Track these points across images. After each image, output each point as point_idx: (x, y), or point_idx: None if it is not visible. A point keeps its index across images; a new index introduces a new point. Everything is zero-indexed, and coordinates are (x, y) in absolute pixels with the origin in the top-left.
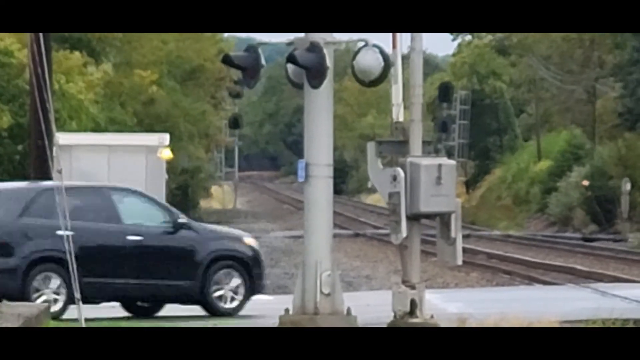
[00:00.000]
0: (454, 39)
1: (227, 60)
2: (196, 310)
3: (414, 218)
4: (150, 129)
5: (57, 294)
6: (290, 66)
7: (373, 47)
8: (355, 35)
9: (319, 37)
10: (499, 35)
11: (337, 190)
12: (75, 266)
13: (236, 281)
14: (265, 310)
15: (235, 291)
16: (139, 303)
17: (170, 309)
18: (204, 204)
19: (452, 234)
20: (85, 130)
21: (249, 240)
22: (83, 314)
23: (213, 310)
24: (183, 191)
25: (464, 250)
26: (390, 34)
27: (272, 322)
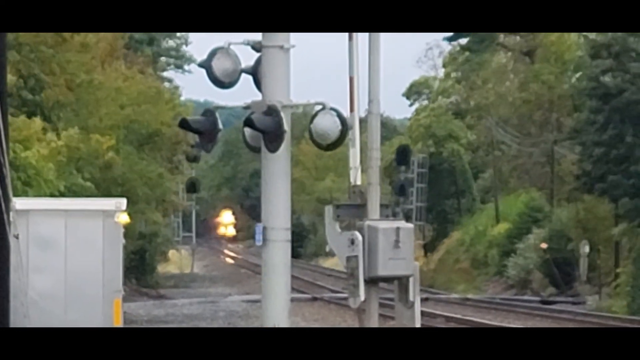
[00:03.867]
0: (411, 104)
1: (184, 124)
2: None
3: (372, 281)
4: (107, 194)
5: None
6: (247, 130)
7: (330, 110)
8: (313, 98)
9: (276, 100)
10: (456, 97)
11: (295, 254)
12: None
13: None
14: None
15: None
16: None
17: None
18: (161, 268)
19: (411, 298)
20: (41, 196)
21: None
22: None
23: None
24: (140, 256)
25: (423, 313)
26: (348, 98)
27: None
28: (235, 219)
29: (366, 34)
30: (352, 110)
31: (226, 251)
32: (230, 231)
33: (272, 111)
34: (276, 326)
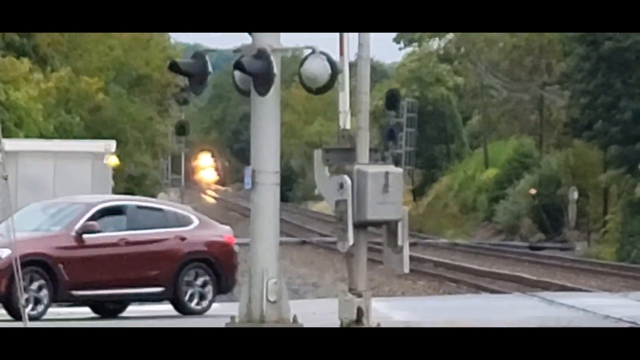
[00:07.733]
0: (401, 49)
1: (174, 67)
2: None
3: (361, 226)
4: (97, 136)
5: None
6: (237, 73)
7: (320, 54)
8: (302, 42)
9: (266, 43)
10: (447, 39)
11: (284, 198)
12: None
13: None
14: (211, 318)
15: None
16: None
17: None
18: None
19: (399, 242)
20: (32, 137)
21: None
22: None
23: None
24: None
25: (411, 258)
26: (337, 41)
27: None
28: (215, 162)
29: None
30: (341, 54)
31: (212, 193)
32: (209, 176)
33: (262, 54)
34: (264, 270)
